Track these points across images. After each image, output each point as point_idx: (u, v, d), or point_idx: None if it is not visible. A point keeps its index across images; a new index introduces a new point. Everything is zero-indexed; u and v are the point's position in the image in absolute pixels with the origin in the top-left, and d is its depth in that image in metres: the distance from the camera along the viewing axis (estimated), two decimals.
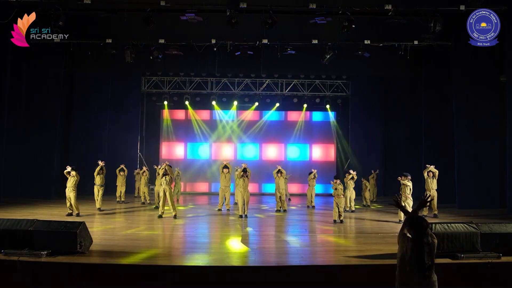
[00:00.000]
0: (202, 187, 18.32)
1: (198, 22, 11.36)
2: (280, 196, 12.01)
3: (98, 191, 11.61)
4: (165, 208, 10.58)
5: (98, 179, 11.67)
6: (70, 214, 10.26)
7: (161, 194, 10.38)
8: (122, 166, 13.76)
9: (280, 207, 11.99)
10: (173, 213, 10.34)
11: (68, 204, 10.41)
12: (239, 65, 14.89)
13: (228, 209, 12.00)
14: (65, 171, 10.71)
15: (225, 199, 12.15)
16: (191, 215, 11.25)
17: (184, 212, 11.74)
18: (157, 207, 11.76)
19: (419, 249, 3.63)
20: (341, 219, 10.00)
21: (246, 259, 6.38)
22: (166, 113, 18.47)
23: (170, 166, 10.69)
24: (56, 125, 14.65)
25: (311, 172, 13.42)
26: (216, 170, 16.43)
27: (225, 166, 12.05)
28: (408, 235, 3.77)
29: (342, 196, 10.16)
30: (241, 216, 10.49)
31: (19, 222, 6.36)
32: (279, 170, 12.25)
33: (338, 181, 10.24)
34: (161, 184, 10.48)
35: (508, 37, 11.26)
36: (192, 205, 13.66)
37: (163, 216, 10.31)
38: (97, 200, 11.62)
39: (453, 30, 12.31)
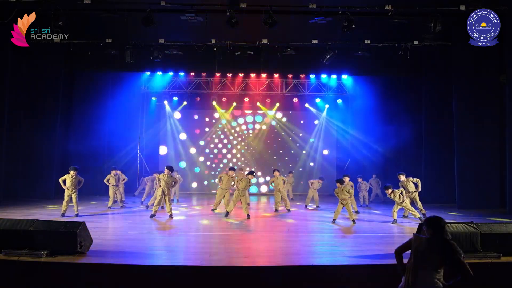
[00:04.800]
0: (202, 187, 18.30)
1: (198, 22, 11.36)
2: (281, 196, 12.05)
3: (112, 191, 12.22)
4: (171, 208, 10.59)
5: (112, 180, 12.24)
6: (63, 215, 10.22)
7: (159, 193, 10.37)
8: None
9: (278, 208, 12.06)
10: (169, 213, 10.40)
11: (64, 206, 10.36)
12: (239, 65, 14.87)
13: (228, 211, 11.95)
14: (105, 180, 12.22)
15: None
16: (190, 215, 11.26)
17: (183, 212, 11.74)
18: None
19: (434, 245, 3.62)
20: (353, 218, 10.02)
21: (246, 259, 6.37)
22: (166, 113, 18.46)
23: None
24: (56, 125, 14.63)
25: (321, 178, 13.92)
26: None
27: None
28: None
29: (351, 198, 10.19)
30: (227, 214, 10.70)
31: (19, 222, 6.37)
32: (274, 169, 12.55)
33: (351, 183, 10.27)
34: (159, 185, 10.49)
35: (508, 37, 11.26)
36: (191, 205, 13.66)
37: (155, 215, 10.32)
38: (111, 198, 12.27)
39: (453, 30, 12.31)
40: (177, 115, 18.46)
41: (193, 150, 18.46)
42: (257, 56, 13.76)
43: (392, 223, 9.88)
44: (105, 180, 12.35)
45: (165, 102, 18.05)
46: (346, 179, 11.76)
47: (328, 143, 18.66)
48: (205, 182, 18.35)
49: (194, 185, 18.23)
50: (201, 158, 18.42)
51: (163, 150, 18.48)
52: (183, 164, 18.21)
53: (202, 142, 18.49)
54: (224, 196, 11.60)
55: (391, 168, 16.54)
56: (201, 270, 5.85)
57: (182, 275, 5.74)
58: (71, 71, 15.38)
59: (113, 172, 12.42)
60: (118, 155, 16.18)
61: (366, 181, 14.35)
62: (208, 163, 18.45)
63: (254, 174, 11.16)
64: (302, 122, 18.72)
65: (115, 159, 15.76)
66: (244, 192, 10.67)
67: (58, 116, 14.67)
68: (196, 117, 18.60)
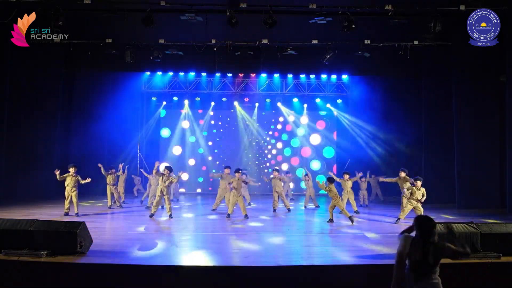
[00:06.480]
0: (201, 187, 18.29)
1: (198, 22, 11.36)
2: (278, 196, 12.06)
3: (110, 190, 12.11)
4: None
5: (109, 179, 12.11)
6: (66, 214, 10.24)
7: (158, 193, 10.41)
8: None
9: (275, 208, 12.08)
10: (168, 213, 10.42)
11: (66, 205, 10.38)
12: (239, 65, 14.87)
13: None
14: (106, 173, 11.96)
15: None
16: (190, 215, 11.25)
17: (183, 212, 11.74)
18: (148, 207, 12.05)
19: (424, 248, 3.70)
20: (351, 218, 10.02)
21: (246, 259, 6.37)
22: (165, 113, 18.46)
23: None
24: (56, 126, 14.64)
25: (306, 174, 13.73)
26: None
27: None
28: (410, 234, 3.90)
29: (338, 197, 10.19)
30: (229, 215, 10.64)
31: (19, 222, 6.37)
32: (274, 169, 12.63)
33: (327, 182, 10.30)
34: (157, 184, 10.53)
35: (508, 37, 11.26)
36: (190, 205, 13.66)
37: (154, 215, 10.38)
38: (108, 199, 12.14)
39: (453, 30, 12.30)
40: (176, 115, 18.46)
41: (192, 150, 18.46)
42: (257, 56, 13.77)
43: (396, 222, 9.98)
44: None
45: (164, 103, 18.07)
46: (346, 176, 11.97)
47: (328, 143, 18.65)
48: (199, 178, 18.34)
49: (194, 185, 18.22)
50: (209, 158, 18.37)
51: (162, 150, 18.47)
52: (192, 162, 18.19)
53: (201, 142, 18.50)
54: (224, 197, 11.76)
55: (391, 168, 16.53)
56: (201, 270, 5.85)
57: (183, 275, 5.74)
58: (71, 71, 15.37)
59: (112, 171, 12.44)
60: (118, 155, 16.16)
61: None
62: (209, 163, 18.43)
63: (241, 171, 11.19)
64: (300, 122, 18.69)
65: (115, 159, 15.74)
66: (239, 192, 10.69)
67: (58, 116, 14.68)
68: (195, 117, 18.58)
